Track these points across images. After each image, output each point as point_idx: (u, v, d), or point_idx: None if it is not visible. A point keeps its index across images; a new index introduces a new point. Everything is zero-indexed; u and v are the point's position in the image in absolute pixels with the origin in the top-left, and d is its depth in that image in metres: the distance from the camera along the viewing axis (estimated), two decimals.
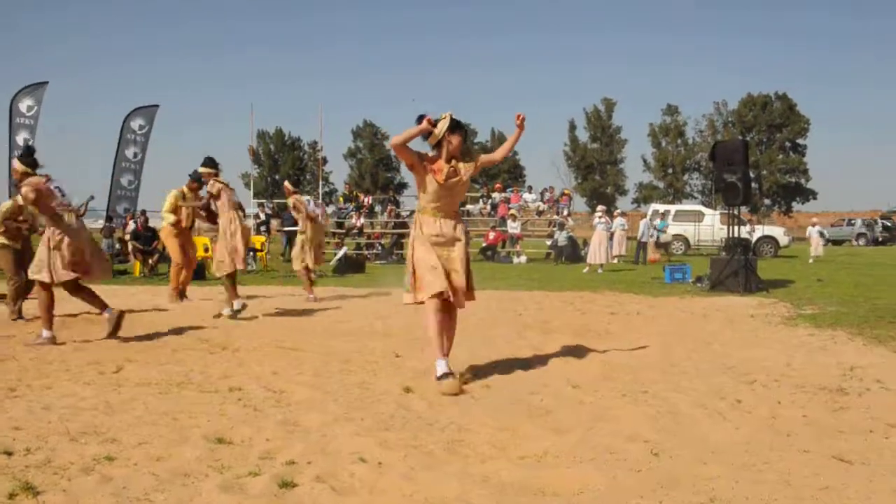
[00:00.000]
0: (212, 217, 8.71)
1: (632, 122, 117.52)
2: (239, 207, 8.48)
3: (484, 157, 5.23)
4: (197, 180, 9.82)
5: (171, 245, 9.98)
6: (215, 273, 8.55)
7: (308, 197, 11.30)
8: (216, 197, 8.47)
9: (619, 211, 23.03)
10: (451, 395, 4.54)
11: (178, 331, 7.34)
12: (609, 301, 10.44)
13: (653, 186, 64.34)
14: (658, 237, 22.56)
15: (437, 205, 4.98)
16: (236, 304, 8.14)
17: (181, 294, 10.05)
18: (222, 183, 8.50)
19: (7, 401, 4.39)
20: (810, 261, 21.74)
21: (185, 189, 9.92)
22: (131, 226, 18.38)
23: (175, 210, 9.87)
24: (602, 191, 64.83)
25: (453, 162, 4.97)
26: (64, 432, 3.72)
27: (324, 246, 11.65)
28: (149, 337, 6.94)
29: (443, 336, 4.89)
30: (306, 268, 10.41)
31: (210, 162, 8.69)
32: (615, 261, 19.98)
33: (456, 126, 4.93)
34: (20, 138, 20.48)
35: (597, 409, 4.22)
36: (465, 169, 5.04)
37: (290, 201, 10.79)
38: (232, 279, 8.28)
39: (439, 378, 4.74)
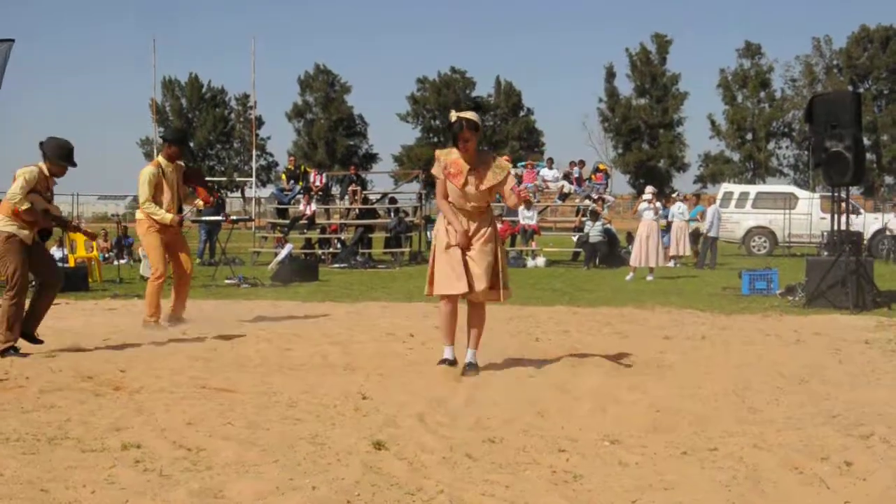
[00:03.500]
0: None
1: (694, 67, 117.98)
2: None
3: (507, 187, 6.79)
4: (179, 143, 9.78)
5: (150, 244, 9.70)
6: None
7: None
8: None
9: (678, 194, 23.12)
10: (448, 383, 6.32)
11: (48, 364, 7.24)
12: (662, 321, 10.46)
13: (724, 159, 64.83)
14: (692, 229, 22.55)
15: (459, 205, 6.74)
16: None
17: (173, 318, 9.75)
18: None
19: None
20: None
21: (162, 159, 9.72)
22: None
23: (156, 193, 9.52)
24: (652, 165, 65.16)
25: (480, 169, 6.69)
26: None
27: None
28: (5, 373, 6.83)
29: (451, 327, 6.85)
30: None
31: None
32: (671, 264, 20.06)
33: (464, 126, 6.53)
34: None
35: (645, 473, 4.21)
36: (491, 178, 6.68)
37: None
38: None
39: (439, 363, 6.79)
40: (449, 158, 6.77)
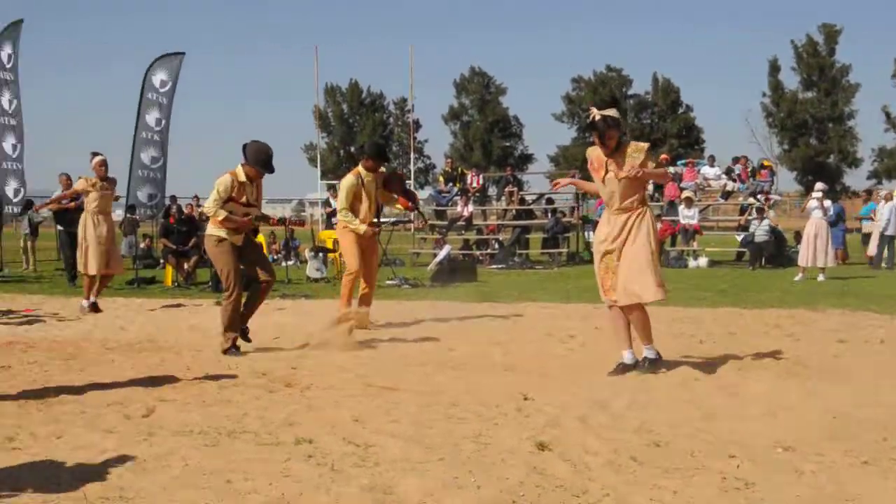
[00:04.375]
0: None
1: (866, 57, 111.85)
2: None
3: (652, 165, 6.86)
4: (376, 157, 10.00)
5: (346, 244, 10.02)
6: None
7: None
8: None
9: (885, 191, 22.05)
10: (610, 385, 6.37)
11: (226, 361, 7.66)
12: (836, 323, 10.07)
13: None
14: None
15: (606, 202, 6.93)
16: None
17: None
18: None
19: (2, 454, 4.67)
20: None
21: (362, 169, 9.92)
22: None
23: (354, 202, 9.81)
24: (821, 161, 62.44)
25: (618, 158, 6.69)
26: (79, 498, 3.94)
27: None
28: (187, 368, 7.26)
29: (625, 332, 6.90)
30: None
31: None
32: (837, 263, 19.09)
33: (606, 123, 6.64)
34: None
35: (822, 482, 4.07)
36: (629, 162, 6.62)
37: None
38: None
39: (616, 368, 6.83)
40: (593, 154, 6.96)
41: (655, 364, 6.84)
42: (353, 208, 9.76)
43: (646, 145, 6.86)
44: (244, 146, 8.16)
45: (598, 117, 6.69)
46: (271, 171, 8.28)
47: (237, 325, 8.12)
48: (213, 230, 8.15)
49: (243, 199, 8.18)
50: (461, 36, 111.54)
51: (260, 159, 8.14)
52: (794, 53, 64.27)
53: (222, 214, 8.00)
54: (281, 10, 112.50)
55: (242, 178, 8.15)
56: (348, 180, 9.85)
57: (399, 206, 10.48)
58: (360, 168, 9.97)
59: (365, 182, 9.82)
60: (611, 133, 6.68)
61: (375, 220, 10.16)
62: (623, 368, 6.82)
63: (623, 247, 6.72)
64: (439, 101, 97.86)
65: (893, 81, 61.43)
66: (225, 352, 7.98)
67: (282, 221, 10.01)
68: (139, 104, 22.69)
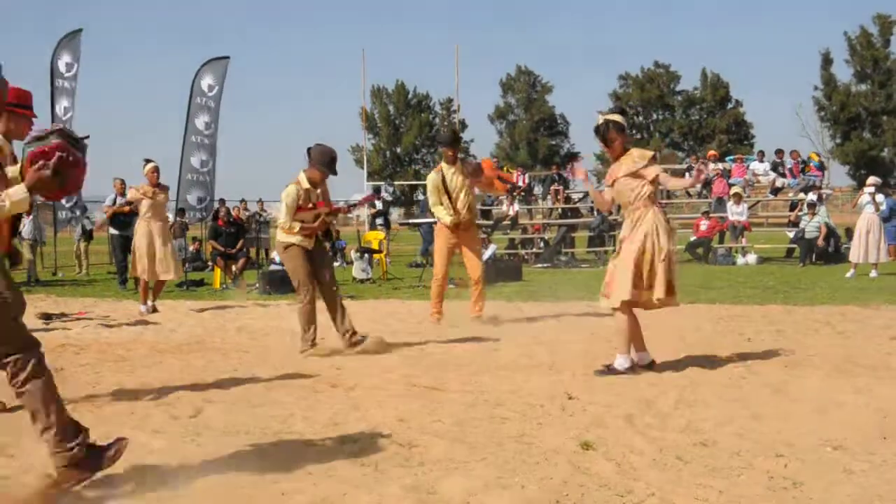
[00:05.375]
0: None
1: None
2: None
3: (659, 169, 6.84)
4: (449, 144, 10.18)
5: (436, 247, 10.30)
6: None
7: None
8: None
9: None
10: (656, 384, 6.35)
11: (272, 362, 7.73)
12: (888, 320, 9.91)
13: None
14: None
15: (622, 209, 7.02)
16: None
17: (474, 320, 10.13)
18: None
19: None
20: None
21: (444, 164, 10.09)
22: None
23: (440, 197, 10.00)
24: (874, 154, 61.36)
25: (622, 164, 6.81)
26: (131, 496, 4.03)
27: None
28: (234, 369, 7.38)
29: (637, 333, 6.88)
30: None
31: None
32: (890, 259, 18.74)
33: (609, 127, 6.81)
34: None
35: (873, 482, 4.01)
36: (631, 164, 6.76)
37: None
38: None
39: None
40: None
41: (615, 373, 6.78)
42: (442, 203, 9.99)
43: (651, 153, 6.91)
44: (308, 150, 8.28)
45: (601, 121, 6.87)
46: (335, 172, 8.36)
47: (314, 328, 8.22)
48: (282, 237, 8.27)
49: (310, 205, 8.26)
50: (507, 34, 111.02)
51: (325, 161, 8.23)
52: (847, 45, 63.31)
53: (297, 227, 8.11)
54: (326, 9, 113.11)
55: (306, 184, 8.23)
56: (431, 178, 10.10)
57: (497, 189, 10.57)
58: (442, 163, 10.10)
59: (446, 175, 9.97)
60: (612, 136, 6.85)
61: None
62: (634, 368, 6.84)
63: (634, 250, 6.71)
64: (485, 100, 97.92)
65: None
66: (303, 352, 8.08)
67: (352, 206, 10.14)
68: (188, 108, 22.97)
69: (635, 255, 6.65)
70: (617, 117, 6.91)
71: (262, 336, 9.57)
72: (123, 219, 15.28)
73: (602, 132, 6.87)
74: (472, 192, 10.14)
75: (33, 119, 5.56)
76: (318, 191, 8.30)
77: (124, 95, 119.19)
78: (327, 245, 8.76)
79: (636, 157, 6.81)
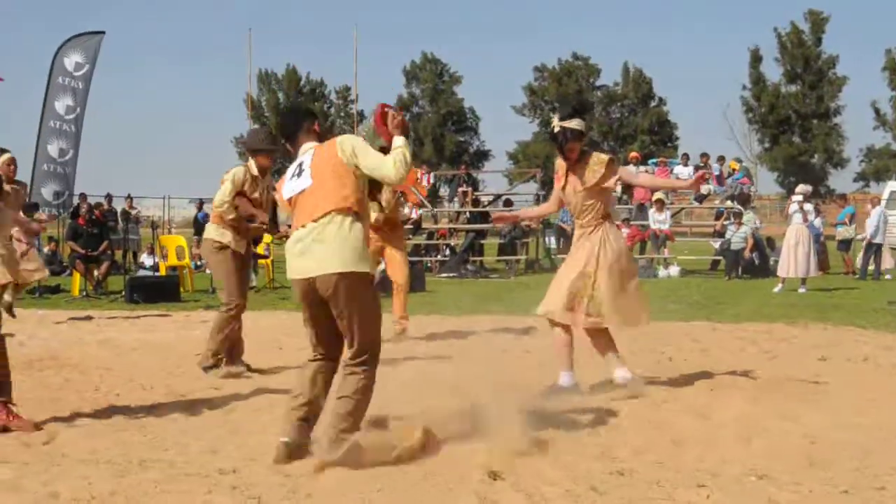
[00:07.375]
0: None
1: (855, 48, 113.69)
2: None
3: (624, 172, 7.04)
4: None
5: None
6: None
7: None
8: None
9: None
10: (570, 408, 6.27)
11: (140, 381, 7.50)
12: (817, 339, 10.17)
13: (891, 153, 62.20)
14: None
15: (571, 213, 7.12)
16: None
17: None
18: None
19: None
20: None
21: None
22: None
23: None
24: (804, 160, 63.31)
25: (578, 169, 6.81)
26: None
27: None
28: (95, 388, 7.14)
29: (569, 354, 6.92)
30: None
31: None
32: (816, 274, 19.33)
33: (568, 136, 6.70)
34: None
35: None
36: (589, 175, 6.75)
37: None
38: None
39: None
40: (559, 162, 7.10)
41: (637, 385, 6.90)
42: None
43: (607, 158, 6.88)
44: (242, 143, 8.14)
45: (557, 128, 6.80)
46: (277, 146, 8.02)
47: (226, 344, 7.83)
48: (215, 233, 7.92)
49: (255, 195, 8.02)
50: (411, 15, 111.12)
51: (260, 139, 8.08)
52: (778, 42, 64.95)
53: (232, 214, 7.80)
54: None
55: (255, 171, 8.02)
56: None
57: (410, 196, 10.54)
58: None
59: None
60: (571, 146, 6.81)
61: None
62: (557, 390, 6.83)
63: (598, 267, 6.74)
64: (387, 89, 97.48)
65: (884, 75, 62.21)
66: (205, 369, 7.77)
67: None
68: (46, 89, 22.19)
69: (572, 275, 6.79)
70: (574, 123, 6.78)
71: (129, 351, 9.30)
72: None
73: (560, 142, 6.81)
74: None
75: None
76: (266, 184, 8.08)
77: None
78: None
79: (594, 164, 6.79)
